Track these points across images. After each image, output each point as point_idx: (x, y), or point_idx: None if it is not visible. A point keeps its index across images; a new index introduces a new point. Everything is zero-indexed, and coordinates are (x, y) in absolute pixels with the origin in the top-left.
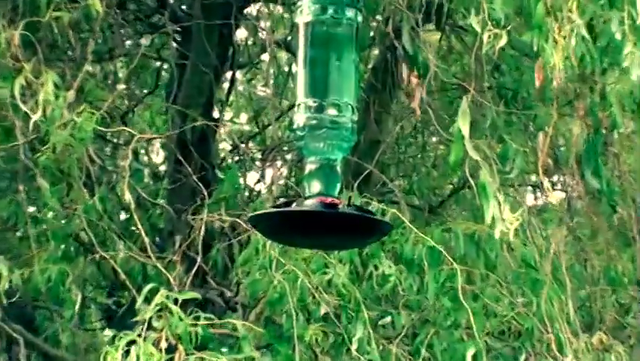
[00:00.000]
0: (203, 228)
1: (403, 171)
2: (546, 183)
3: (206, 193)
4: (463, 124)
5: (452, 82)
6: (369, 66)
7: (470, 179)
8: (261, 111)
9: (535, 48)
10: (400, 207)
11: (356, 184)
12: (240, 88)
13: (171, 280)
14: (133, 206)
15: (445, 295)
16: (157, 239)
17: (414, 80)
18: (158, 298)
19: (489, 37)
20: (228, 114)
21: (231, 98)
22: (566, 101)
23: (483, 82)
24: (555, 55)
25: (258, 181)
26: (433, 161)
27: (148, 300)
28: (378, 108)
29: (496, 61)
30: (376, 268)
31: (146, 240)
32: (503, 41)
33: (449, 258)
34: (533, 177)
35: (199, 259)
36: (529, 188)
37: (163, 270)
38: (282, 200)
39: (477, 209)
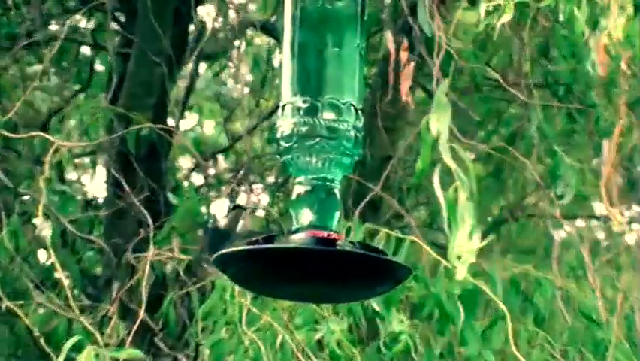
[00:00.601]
0: (147, 270)
1: (424, 196)
2: (616, 214)
3: (152, 225)
4: (437, 119)
5: (485, 74)
6: (379, 55)
7: (439, 193)
8: (232, 116)
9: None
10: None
11: (357, 213)
12: (204, 85)
13: (99, 339)
14: (53, 243)
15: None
16: (89, 288)
17: (404, 56)
18: (84, 358)
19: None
20: (188, 120)
21: (192, 98)
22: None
23: (527, 74)
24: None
25: (230, 210)
26: None
27: None
28: (390, 111)
29: (544, 44)
30: (383, 321)
31: (66, 287)
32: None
33: (495, 300)
34: (600, 205)
35: (141, 312)
36: (595, 220)
37: (89, 327)
38: (259, 235)
39: (525, 246)
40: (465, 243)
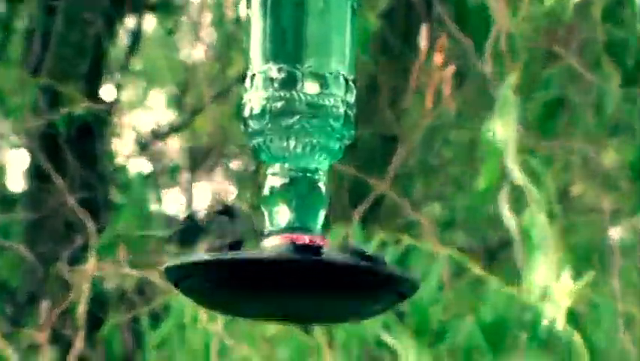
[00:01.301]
0: (87, 287)
1: (438, 191)
2: None
3: (92, 229)
4: (502, 122)
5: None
6: (379, 11)
7: (509, 219)
8: (187, 85)
9: None
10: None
11: (357, 213)
12: (151, 46)
13: None
14: None
15: None
16: (7, 307)
17: (439, 57)
18: None
19: None
20: (130, 91)
21: (135, 63)
22: None
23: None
24: None
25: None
26: None
27: None
28: (393, 82)
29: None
30: (390, 350)
31: None
32: None
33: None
34: None
35: (78, 341)
36: None
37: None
38: (222, 240)
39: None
40: (549, 281)
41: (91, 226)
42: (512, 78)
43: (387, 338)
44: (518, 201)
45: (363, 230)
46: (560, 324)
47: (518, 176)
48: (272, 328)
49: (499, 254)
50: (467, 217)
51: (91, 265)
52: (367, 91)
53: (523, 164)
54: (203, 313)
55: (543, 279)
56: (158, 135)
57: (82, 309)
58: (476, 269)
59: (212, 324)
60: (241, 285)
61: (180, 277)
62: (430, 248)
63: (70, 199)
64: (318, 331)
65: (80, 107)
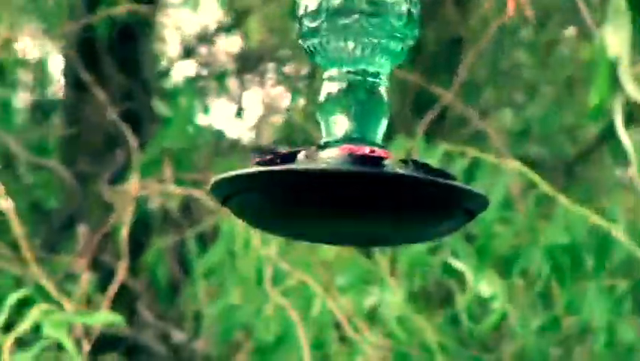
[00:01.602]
0: (130, 208)
1: (507, 98)
2: None
3: (134, 144)
4: (613, 32)
5: None
6: None
7: (627, 141)
8: None
9: None
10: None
11: (420, 123)
12: None
13: (64, 304)
14: None
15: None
16: (43, 230)
17: None
18: (33, 316)
19: None
20: None
21: None
22: None
23: None
24: None
25: (235, 115)
26: (567, 77)
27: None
28: None
29: None
30: (462, 282)
31: (19, 231)
32: None
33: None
34: None
35: (120, 269)
36: None
37: (42, 282)
38: (276, 150)
39: None
40: None
41: (133, 141)
42: None
43: (454, 263)
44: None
45: (427, 143)
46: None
47: (633, 90)
48: (330, 253)
49: (576, 169)
50: (542, 128)
51: (134, 184)
52: None
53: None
54: (255, 237)
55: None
56: (205, 38)
57: (125, 233)
58: (547, 187)
59: (265, 248)
60: (295, 201)
61: (229, 193)
62: (497, 161)
63: (111, 112)
64: (380, 256)
65: (122, 8)
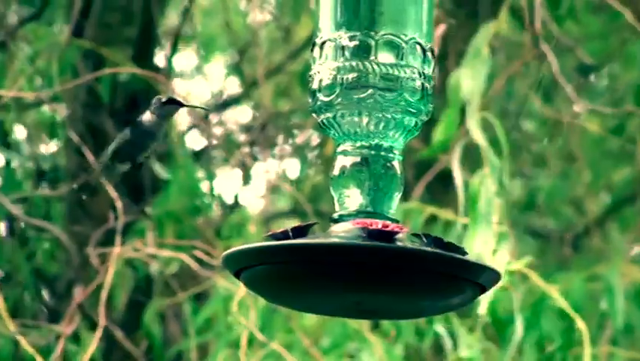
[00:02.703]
0: (111, 271)
1: (514, 168)
2: None
3: (119, 208)
4: (469, 74)
5: None
6: None
7: (458, 179)
8: (246, 53)
9: None
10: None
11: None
12: (207, 8)
13: None
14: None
15: None
16: (44, 294)
17: None
18: None
19: None
20: (183, 59)
21: (188, 27)
22: None
23: None
24: None
25: (243, 184)
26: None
27: None
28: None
29: None
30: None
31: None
32: None
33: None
34: None
35: (100, 322)
36: None
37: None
38: (285, 226)
39: None
40: (488, 256)
41: (120, 204)
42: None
43: (436, 326)
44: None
45: (422, 207)
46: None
47: (476, 133)
48: (312, 317)
49: (581, 240)
50: (548, 199)
51: (117, 248)
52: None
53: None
54: (233, 303)
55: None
56: (215, 107)
57: (104, 294)
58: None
59: (244, 314)
60: (308, 274)
61: (242, 265)
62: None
63: (105, 178)
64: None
65: (126, 71)
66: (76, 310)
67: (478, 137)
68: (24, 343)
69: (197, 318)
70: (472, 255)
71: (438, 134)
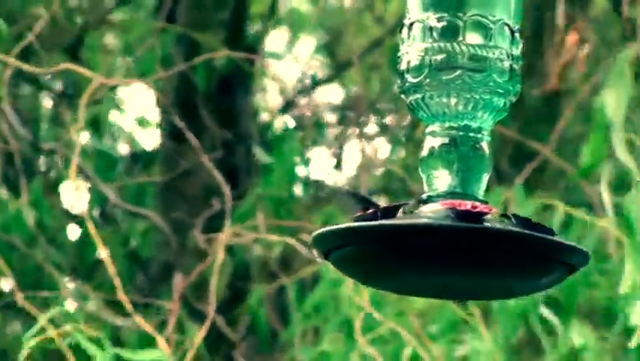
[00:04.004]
0: (221, 256)
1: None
2: None
3: (228, 192)
4: (612, 95)
5: None
6: None
7: (608, 204)
8: (337, 35)
9: None
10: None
11: (519, 175)
12: None
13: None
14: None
15: None
16: (139, 278)
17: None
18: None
19: None
20: (275, 42)
21: (281, 9)
22: None
23: None
24: None
25: (334, 166)
26: None
27: None
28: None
29: None
30: (554, 334)
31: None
32: None
33: None
34: None
35: (210, 315)
36: None
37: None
38: (376, 205)
39: None
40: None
41: (228, 189)
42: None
43: (548, 315)
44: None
45: (524, 194)
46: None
47: (622, 154)
48: (422, 301)
49: None
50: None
51: (226, 232)
52: (529, 39)
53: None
54: (347, 284)
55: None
56: (305, 89)
57: (215, 280)
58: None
59: (358, 295)
60: (396, 255)
61: (331, 246)
62: (588, 217)
63: (207, 161)
64: (473, 305)
65: (221, 55)
66: (179, 294)
67: (626, 158)
68: (142, 323)
69: (305, 302)
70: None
71: (585, 157)
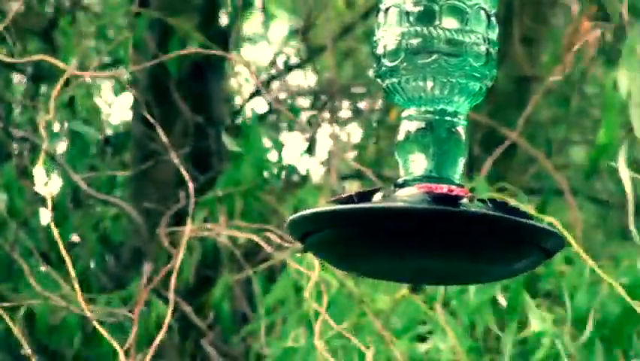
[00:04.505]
0: (182, 250)
1: (582, 137)
2: None
3: (191, 186)
4: (627, 74)
5: None
6: None
7: (626, 181)
8: (310, 18)
9: None
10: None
11: (489, 161)
12: None
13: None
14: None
15: None
16: (109, 267)
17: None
18: None
19: None
20: (248, 25)
21: None
22: None
23: None
24: None
25: (306, 151)
26: None
27: None
28: (529, 15)
29: None
30: (519, 322)
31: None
32: None
33: None
34: None
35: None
36: None
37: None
38: (351, 190)
39: None
40: None
41: (191, 184)
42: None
43: (503, 300)
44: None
45: (491, 181)
46: None
47: None
48: (385, 300)
49: None
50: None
51: (189, 227)
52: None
53: None
54: (307, 287)
55: None
56: (278, 74)
57: (175, 273)
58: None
59: (318, 301)
60: (372, 239)
61: (307, 230)
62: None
63: (173, 155)
64: (435, 300)
65: (196, 43)
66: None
67: None
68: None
69: (267, 297)
70: None
71: (600, 137)
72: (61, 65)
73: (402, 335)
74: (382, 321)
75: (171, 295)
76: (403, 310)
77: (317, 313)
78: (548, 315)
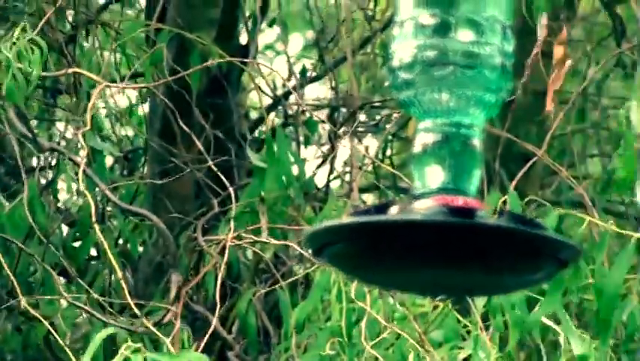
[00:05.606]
0: (224, 258)
1: (596, 148)
2: None
3: (232, 192)
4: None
5: None
6: None
7: None
8: (326, 34)
9: None
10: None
11: (519, 175)
12: None
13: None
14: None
15: None
16: (132, 279)
17: (558, 51)
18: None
19: None
20: (266, 38)
21: (272, 8)
22: None
23: None
24: None
25: (322, 164)
26: None
27: None
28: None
29: None
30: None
31: (121, 277)
32: None
33: None
34: None
35: (214, 319)
36: None
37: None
38: (368, 203)
39: None
40: None
41: (224, 191)
42: None
43: (548, 322)
44: None
45: (519, 197)
46: None
47: None
48: (425, 307)
49: None
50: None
51: (230, 234)
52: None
53: None
54: (349, 288)
55: None
56: (295, 87)
57: (218, 284)
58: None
59: (360, 300)
60: (389, 251)
61: (323, 243)
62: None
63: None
64: (474, 312)
65: (215, 57)
66: (176, 300)
67: None
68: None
69: (300, 306)
70: None
71: (619, 171)
72: (95, 77)
73: (441, 343)
74: (422, 328)
75: (217, 299)
76: (443, 319)
77: (348, 328)
78: (587, 337)
